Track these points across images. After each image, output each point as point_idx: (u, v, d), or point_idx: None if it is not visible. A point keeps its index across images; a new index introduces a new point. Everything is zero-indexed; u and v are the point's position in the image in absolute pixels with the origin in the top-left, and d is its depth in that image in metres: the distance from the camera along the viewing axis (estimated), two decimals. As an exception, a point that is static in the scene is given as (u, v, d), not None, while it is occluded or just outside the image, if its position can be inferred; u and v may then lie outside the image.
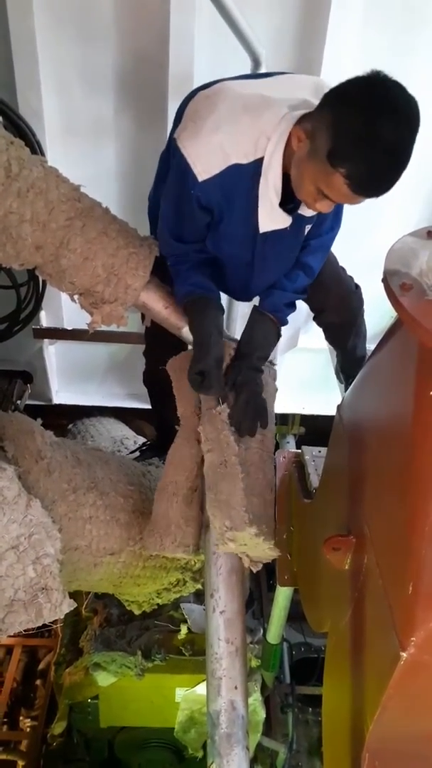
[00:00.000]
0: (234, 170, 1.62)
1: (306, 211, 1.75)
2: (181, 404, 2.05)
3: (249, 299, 2.19)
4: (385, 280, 1.25)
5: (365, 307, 2.37)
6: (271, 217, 1.72)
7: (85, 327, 2.06)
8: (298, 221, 1.78)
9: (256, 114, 1.59)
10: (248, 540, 1.73)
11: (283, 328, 2.04)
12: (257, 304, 2.00)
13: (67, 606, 1.61)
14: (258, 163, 1.62)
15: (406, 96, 1.39)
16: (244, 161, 1.61)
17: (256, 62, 2.40)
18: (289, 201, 1.69)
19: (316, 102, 1.56)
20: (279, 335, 2.00)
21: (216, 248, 1.86)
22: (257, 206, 1.70)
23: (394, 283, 1.21)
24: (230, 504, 1.73)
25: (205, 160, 1.61)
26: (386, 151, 1.40)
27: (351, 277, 2.25)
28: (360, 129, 1.39)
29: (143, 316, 2.27)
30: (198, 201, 1.68)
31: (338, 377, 2.58)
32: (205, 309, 1.90)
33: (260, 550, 1.78)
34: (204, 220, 1.75)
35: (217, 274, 1.96)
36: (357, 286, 2.28)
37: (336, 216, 1.90)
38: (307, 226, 1.84)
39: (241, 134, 1.59)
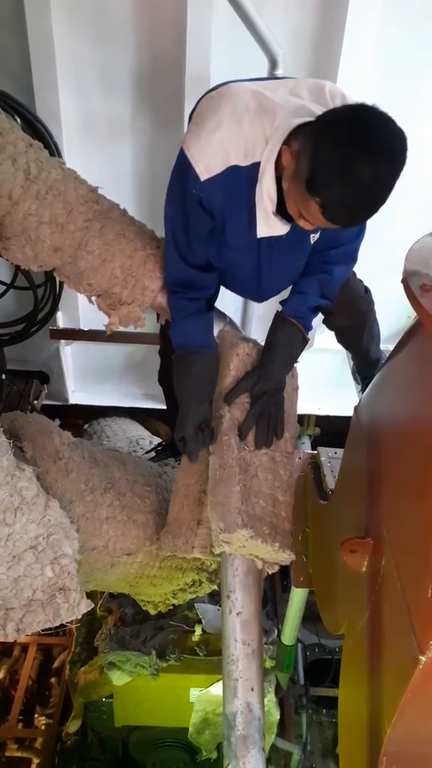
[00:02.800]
0: (233, 172, 1.62)
1: None
2: None
3: (261, 301, 2.20)
4: (404, 281, 1.24)
5: (381, 307, 2.35)
6: (267, 224, 1.71)
7: (102, 328, 2.06)
8: (301, 230, 1.77)
9: (257, 116, 1.60)
10: (245, 542, 1.72)
11: None
12: (279, 309, 1.99)
13: (85, 606, 1.62)
14: (255, 167, 1.62)
15: (389, 134, 1.38)
16: (243, 163, 1.62)
17: (273, 62, 2.40)
18: None
19: (314, 108, 1.57)
20: (305, 341, 1.96)
21: (222, 258, 1.86)
22: (256, 210, 1.70)
23: (414, 283, 1.21)
24: (224, 506, 1.74)
25: (207, 160, 1.61)
26: (360, 188, 1.40)
27: (360, 280, 2.23)
28: (336, 164, 1.39)
29: (158, 316, 2.28)
30: (200, 201, 1.67)
31: (355, 378, 2.56)
32: (191, 367, 1.90)
33: (266, 551, 1.78)
34: (208, 224, 1.74)
35: (228, 279, 1.96)
36: (366, 290, 2.26)
37: (360, 225, 1.88)
38: (312, 235, 1.83)
39: (241, 135, 1.59)
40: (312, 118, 1.52)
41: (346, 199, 1.43)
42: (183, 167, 1.65)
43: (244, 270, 1.91)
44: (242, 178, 1.63)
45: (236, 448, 1.84)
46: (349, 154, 1.37)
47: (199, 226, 1.75)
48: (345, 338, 2.40)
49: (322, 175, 1.42)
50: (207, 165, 1.62)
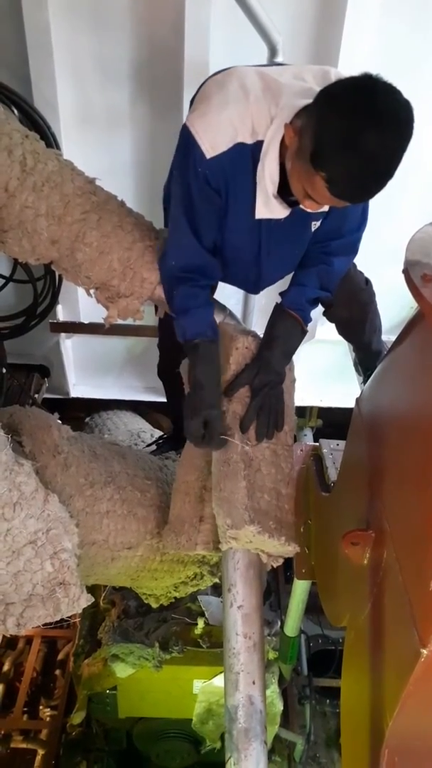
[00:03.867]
0: (239, 149, 1.59)
1: None
2: None
3: (257, 292, 2.17)
4: (406, 271, 1.23)
5: (383, 298, 2.33)
6: (267, 206, 1.68)
7: (102, 321, 2.05)
8: (302, 216, 1.74)
9: (263, 95, 1.57)
10: (252, 537, 1.72)
11: None
12: (278, 301, 1.96)
13: (85, 601, 1.62)
14: (260, 146, 1.59)
15: (395, 103, 1.34)
16: (249, 141, 1.59)
17: (273, 50, 2.37)
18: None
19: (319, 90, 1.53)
20: (303, 333, 1.93)
21: (225, 241, 1.83)
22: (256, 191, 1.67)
23: (416, 273, 1.19)
24: (231, 502, 1.72)
25: (213, 137, 1.58)
26: (367, 159, 1.36)
27: (361, 272, 2.21)
28: (341, 135, 1.35)
29: (156, 308, 2.26)
30: (206, 179, 1.64)
31: (357, 370, 2.55)
32: (213, 357, 1.86)
33: (272, 546, 1.77)
34: (216, 203, 1.71)
35: (227, 268, 1.93)
36: (367, 281, 2.23)
37: (361, 217, 1.85)
38: (314, 222, 1.79)
39: (248, 113, 1.57)
40: None
41: (353, 172, 1.39)
42: (187, 146, 1.62)
43: (244, 255, 1.88)
44: (247, 156, 1.61)
45: (239, 443, 1.83)
46: (355, 124, 1.33)
47: (205, 206, 1.71)
48: (346, 330, 2.38)
49: (327, 148, 1.38)
50: (213, 142, 1.59)
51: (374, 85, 1.35)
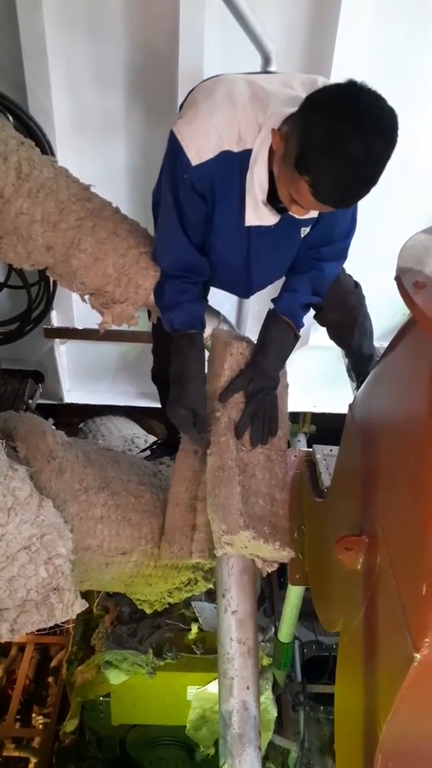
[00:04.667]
0: (225, 158, 1.61)
1: None
2: None
3: (248, 296, 2.20)
4: (398, 278, 1.24)
5: (375, 304, 2.35)
6: (256, 213, 1.70)
7: (96, 326, 2.06)
8: (291, 222, 1.75)
9: (250, 104, 1.59)
10: (247, 543, 1.72)
11: None
12: (271, 307, 1.98)
13: (79, 606, 1.61)
14: (247, 154, 1.61)
15: (379, 110, 1.36)
16: (235, 149, 1.60)
17: (266, 58, 2.39)
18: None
19: None
20: (296, 338, 1.96)
21: (211, 247, 1.84)
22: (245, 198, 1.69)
23: (408, 281, 1.20)
24: (226, 507, 1.73)
25: (199, 144, 1.60)
26: (350, 164, 1.37)
27: (350, 276, 2.23)
28: (325, 140, 1.37)
29: (150, 314, 2.27)
30: (192, 185, 1.66)
31: (350, 376, 2.56)
32: (201, 349, 1.90)
33: (267, 551, 1.77)
34: (201, 208, 1.73)
35: (216, 274, 1.95)
36: (357, 285, 2.25)
37: (350, 223, 1.87)
38: (303, 229, 1.81)
39: (235, 121, 1.58)
40: None
41: (337, 177, 1.40)
42: (174, 152, 1.64)
43: (232, 260, 1.89)
44: (234, 165, 1.62)
45: (234, 449, 1.83)
46: (339, 129, 1.35)
47: (192, 211, 1.74)
48: (337, 334, 2.39)
49: (311, 153, 1.40)
50: (199, 150, 1.60)
51: (358, 91, 1.36)
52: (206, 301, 1.97)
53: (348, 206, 1.50)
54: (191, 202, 1.71)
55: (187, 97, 1.74)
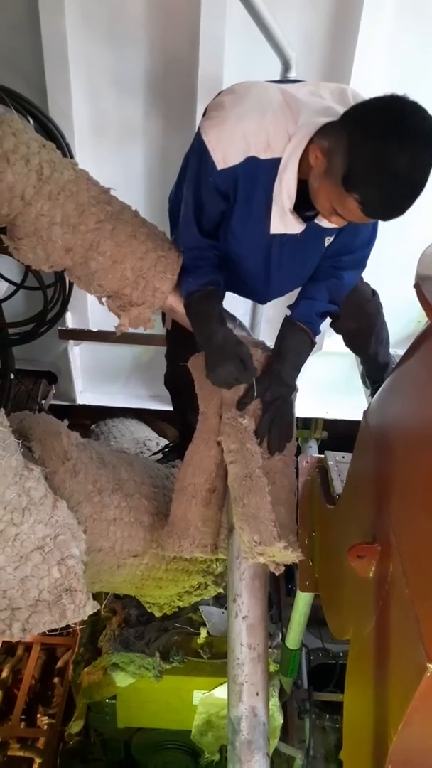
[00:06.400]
0: (252, 164, 1.61)
1: (324, 222, 1.73)
2: (203, 403, 2.02)
3: (265, 302, 2.20)
4: (417, 286, 1.24)
5: (391, 311, 2.34)
6: (282, 221, 1.71)
7: (110, 328, 2.06)
8: (316, 231, 1.76)
9: (281, 112, 1.59)
10: (277, 553, 1.72)
11: None
12: (288, 314, 1.98)
13: (91, 608, 1.62)
14: (275, 163, 1.61)
15: (423, 122, 1.37)
16: (263, 156, 1.61)
17: (286, 65, 2.40)
18: (309, 207, 1.68)
19: (339, 109, 1.55)
20: (312, 345, 1.96)
21: (230, 250, 1.85)
22: (272, 206, 1.69)
23: (427, 288, 1.21)
24: (258, 518, 1.71)
25: (226, 149, 1.61)
26: (400, 180, 1.39)
27: (368, 284, 2.23)
28: (374, 158, 1.38)
29: (164, 319, 2.27)
30: (216, 187, 1.67)
31: (364, 382, 2.56)
32: (219, 303, 1.88)
33: (287, 557, 1.77)
34: (222, 207, 1.74)
35: (233, 278, 1.95)
36: (374, 293, 2.25)
37: (372, 232, 1.87)
38: (327, 238, 1.82)
39: (263, 128, 1.59)
40: (336, 119, 1.52)
41: (387, 194, 1.42)
42: (201, 153, 1.64)
43: (251, 267, 1.89)
44: (260, 171, 1.63)
45: (260, 456, 1.83)
46: (387, 147, 1.36)
47: (213, 211, 1.75)
48: (353, 342, 2.39)
49: (360, 171, 1.41)
50: (225, 154, 1.61)
51: (402, 106, 1.38)
52: (222, 273, 1.91)
53: (395, 218, 1.51)
54: (212, 200, 1.72)
55: (215, 98, 1.74)
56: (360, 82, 2.47)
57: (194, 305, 1.86)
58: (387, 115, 1.38)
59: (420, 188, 1.41)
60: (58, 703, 4.14)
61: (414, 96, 1.41)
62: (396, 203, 1.45)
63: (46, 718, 4.09)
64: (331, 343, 3.24)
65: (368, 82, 2.47)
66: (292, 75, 2.39)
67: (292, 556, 1.72)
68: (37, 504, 1.58)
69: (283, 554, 1.71)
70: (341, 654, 3.46)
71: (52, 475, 1.81)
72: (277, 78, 2.37)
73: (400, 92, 1.41)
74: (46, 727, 4.03)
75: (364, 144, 1.39)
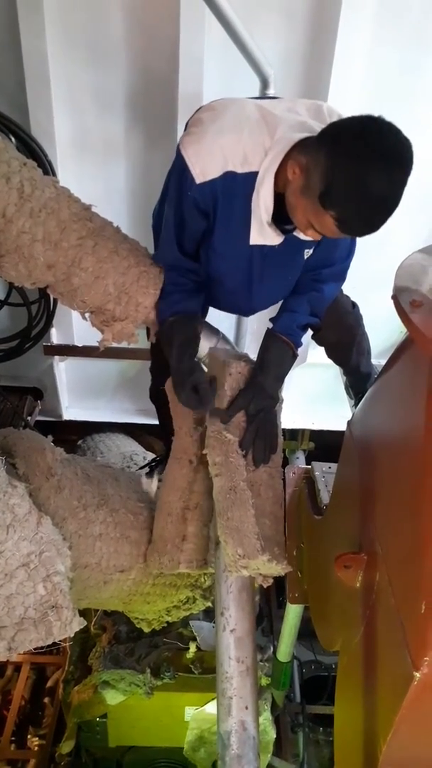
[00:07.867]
0: (229, 178, 1.64)
1: (302, 235, 1.75)
2: (177, 423, 2.05)
3: (248, 315, 2.23)
4: (395, 297, 1.25)
5: (373, 323, 2.37)
6: (261, 232, 1.73)
7: (95, 344, 2.07)
8: (295, 243, 1.79)
9: (257, 127, 1.62)
10: (261, 565, 1.72)
11: None
12: (270, 327, 2.00)
13: (78, 624, 1.61)
14: (253, 176, 1.64)
15: (399, 144, 1.41)
16: (240, 170, 1.64)
17: (265, 83, 2.43)
18: (287, 221, 1.70)
19: (315, 125, 1.59)
20: (294, 357, 1.98)
21: (211, 265, 1.87)
22: (251, 218, 1.72)
23: (404, 299, 1.22)
24: (242, 531, 1.72)
25: (204, 163, 1.64)
26: (376, 200, 1.43)
27: (347, 296, 2.26)
28: (352, 179, 1.42)
29: (149, 332, 2.28)
30: (195, 203, 1.70)
31: (348, 393, 2.57)
32: (189, 332, 1.90)
33: (273, 569, 1.77)
34: (203, 226, 1.77)
35: (217, 294, 1.97)
36: (354, 305, 2.28)
37: (351, 245, 1.91)
38: (306, 250, 1.85)
39: (241, 143, 1.62)
40: (312, 134, 1.55)
41: (363, 213, 1.46)
42: (181, 169, 1.67)
43: (233, 281, 1.92)
44: (237, 185, 1.66)
45: (244, 469, 1.83)
46: (365, 169, 1.40)
47: (194, 227, 1.78)
48: (335, 353, 2.41)
49: (337, 191, 1.45)
50: (203, 168, 1.64)
51: (379, 127, 1.41)
52: (200, 297, 1.95)
53: (369, 234, 1.55)
54: (192, 217, 1.75)
55: (194, 114, 1.77)
56: (337, 98, 2.51)
57: (164, 332, 1.92)
58: (364, 138, 1.41)
59: (394, 207, 1.45)
60: (49, 723, 4.07)
61: (390, 114, 1.45)
62: (371, 222, 1.49)
63: (37, 738, 4.01)
64: (315, 354, 3.26)
65: (345, 99, 2.51)
66: (271, 92, 2.42)
67: (277, 569, 1.72)
68: (22, 521, 1.57)
69: (267, 567, 1.71)
70: (334, 666, 3.44)
71: (37, 492, 1.80)
72: (256, 95, 2.41)
73: (376, 109, 1.45)
74: (36, 748, 3.96)
75: (341, 164, 1.43)
